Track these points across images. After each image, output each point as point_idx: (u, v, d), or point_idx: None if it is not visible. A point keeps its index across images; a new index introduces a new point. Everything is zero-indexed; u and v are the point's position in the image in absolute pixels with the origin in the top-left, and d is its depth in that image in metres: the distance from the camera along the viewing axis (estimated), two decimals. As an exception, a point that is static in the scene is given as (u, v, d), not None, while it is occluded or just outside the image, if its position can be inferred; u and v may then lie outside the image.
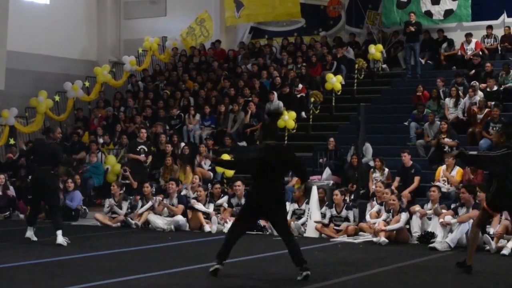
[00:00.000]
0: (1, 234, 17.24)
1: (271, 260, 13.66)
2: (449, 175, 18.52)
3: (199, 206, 18.72)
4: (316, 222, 17.33)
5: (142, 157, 21.88)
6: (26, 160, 18.87)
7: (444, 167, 18.79)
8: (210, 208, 18.72)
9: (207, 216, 18.59)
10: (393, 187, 17.94)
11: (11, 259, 13.38)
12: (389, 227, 16.14)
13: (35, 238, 15.78)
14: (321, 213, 17.56)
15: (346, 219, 17.18)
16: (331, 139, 21.67)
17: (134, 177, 21.45)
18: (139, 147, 21.97)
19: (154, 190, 20.02)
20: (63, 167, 23.29)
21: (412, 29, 25.58)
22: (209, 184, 20.72)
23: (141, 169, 21.94)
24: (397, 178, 19.11)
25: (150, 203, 19.11)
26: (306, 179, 13.23)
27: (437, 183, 18.21)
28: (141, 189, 19.82)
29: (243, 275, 12.00)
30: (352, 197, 18.72)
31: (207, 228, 18.20)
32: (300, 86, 25.72)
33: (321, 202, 17.76)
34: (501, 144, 11.91)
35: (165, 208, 18.89)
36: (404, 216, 16.24)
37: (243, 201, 18.49)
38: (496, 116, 20.59)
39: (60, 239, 15.27)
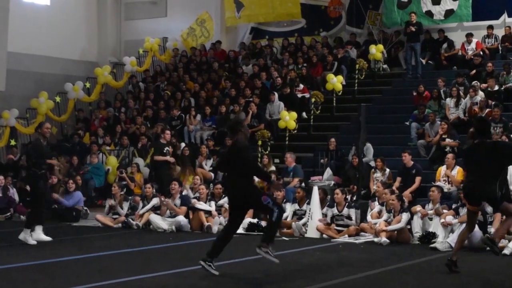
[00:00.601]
0: (1, 235, 17.22)
1: (272, 261, 13.63)
2: (450, 174, 18.51)
3: (200, 205, 18.74)
4: (320, 221, 17.28)
5: (170, 158, 21.50)
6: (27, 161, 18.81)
7: (444, 167, 18.78)
8: (212, 206, 18.74)
9: (209, 214, 18.60)
10: (394, 188, 17.94)
11: (11, 260, 13.38)
12: (390, 227, 16.13)
13: (49, 238, 15.85)
14: (322, 213, 17.55)
15: (348, 217, 17.17)
16: (332, 139, 21.69)
17: (162, 179, 21.06)
18: (165, 149, 21.62)
19: (154, 190, 20.00)
20: (64, 168, 23.38)
21: (413, 29, 25.58)
22: (210, 184, 20.72)
23: (168, 170, 21.47)
24: (398, 178, 19.12)
25: (153, 202, 19.09)
26: (265, 178, 13.33)
27: (438, 183, 18.21)
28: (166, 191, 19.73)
29: (244, 276, 12.00)
30: (354, 197, 18.68)
31: (207, 224, 18.19)
32: (301, 86, 25.70)
33: (322, 203, 17.74)
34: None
35: (167, 210, 18.89)
36: (405, 216, 16.24)
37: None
38: (497, 116, 20.58)
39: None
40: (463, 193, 12.46)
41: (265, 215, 12.13)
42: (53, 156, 17.74)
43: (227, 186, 12.32)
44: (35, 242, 15.30)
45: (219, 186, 19.64)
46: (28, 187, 18.75)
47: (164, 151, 21.48)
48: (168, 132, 22.18)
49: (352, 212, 17.24)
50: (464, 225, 14.89)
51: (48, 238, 15.75)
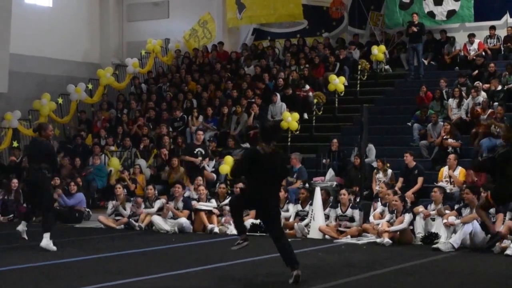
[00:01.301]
0: (4, 237, 17.21)
1: (275, 262, 13.63)
2: (453, 174, 18.52)
3: (201, 205, 18.76)
4: (323, 227, 17.26)
5: (197, 159, 21.41)
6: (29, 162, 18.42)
7: (446, 167, 18.78)
8: (213, 203, 18.76)
9: (211, 213, 18.63)
10: (396, 188, 17.94)
11: (14, 262, 13.38)
12: (392, 228, 16.12)
13: (25, 236, 15.52)
14: (325, 214, 17.55)
15: (351, 218, 17.17)
16: (335, 140, 21.71)
17: (191, 180, 20.95)
18: (197, 150, 21.51)
19: (156, 192, 20.01)
20: (67, 170, 23.40)
21: (415, 29, 25.58)
22: (217, 184, 20.67)
23: (197, 171, 21.33)
24: (400, 179, 19.13)
25: (157, 205, 19.10)
26: None
27: (440, 184, 18.21)
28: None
29: (247, 277, 11.99)
30: (358, 198, 18.67)
31: (210, 226, 18.20)
32: (307, 87, 25.69)
33: (325, 203, 17.76)
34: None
35: (169, 212, 18.92)
36: (407, 217, 16.23)
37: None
38: (500, 115, 20.58)
39: (45, 242, 14.73)
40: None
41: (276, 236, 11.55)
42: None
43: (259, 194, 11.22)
44: (55, 248, 14.84)
45: (223, 185, 19.68)
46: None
47: (195, 151, 21.42)
48: (200, 133, 22.16)
49: (356, 213, 17.25)
50: (468, 226, 14.98)
51: (54, 248, 15.36)
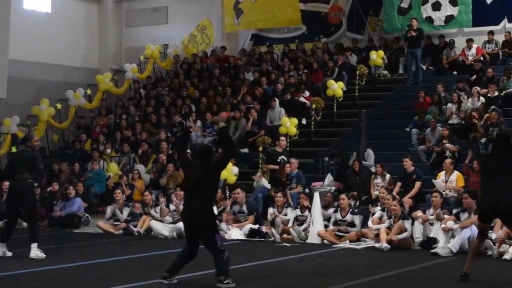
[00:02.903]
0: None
1: (273, 267, 13.66)
2: (450, 186, 18.51)
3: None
4: (322, 232, 17.26)
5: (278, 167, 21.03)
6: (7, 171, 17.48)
7: (443, 172, 18.79)
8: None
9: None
10: (394, 193, 17.95)
11: (12, 267, 13.38)
12: (400, 237, 16.06)
13: (9, 254, 14.95)
14: (326, 214, 17.55)
15: (351, 223, 17.17)
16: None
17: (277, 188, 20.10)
18: (280, 157, 21.26)
19: (154, 198, 20.02)
20: (65, 175, 23.41)
21: (414, 34, 25.60)
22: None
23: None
24: (398, 184, 19.14)
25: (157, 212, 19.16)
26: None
27: (437, 181, 18.27)
28: None
29: (245, 282, 11.98)
30: (358, 203, 18.66)
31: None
32: (307, 93, 25.69)
33: (328, 207, 17.80)
34: None
35: (167, 216, 18.91)
36: (407, 224, 16.23)
37: (244, 208, 18.55)
38: (495, 120, 20.61)
39: (34, 253, 14.57)
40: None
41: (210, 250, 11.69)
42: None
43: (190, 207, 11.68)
44: (44, 255, 14.65)
45: (219, 191, 19.68)
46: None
47: (279, 159, 21.16)
48: (283, 139, 21.93)
49: (356, 218, 17.23)
50: (466, 231, 14.97)
51: (43, 255, 15.21)
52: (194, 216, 11.49)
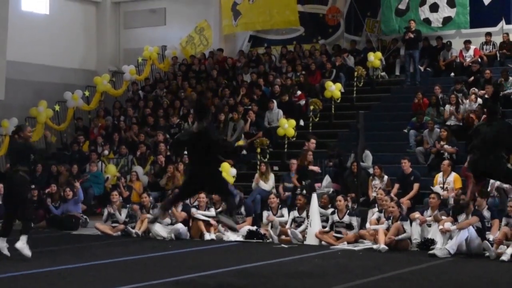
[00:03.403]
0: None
1: (270, 268, 13.68)
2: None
3: (199, 214, 18.76)
4: (321, 232, 17.29)
5: (316, 168, 20.74)
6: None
7: (440, 174, 18.80)
8: (211, 211, 18.74)
9: (208, 222, 18.63)
10: (392, 194, 17.97)
11: (10, 269, 13.36)
12: (398, 237, 16.09)
13: (6, 252, 14.89)
14: (323, 214, 17.57)
15: (349, 225, 17.18)
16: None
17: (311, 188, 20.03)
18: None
19: (152, 199, 20.02)
20: (64, 177, 23.41)
21: (411, 35, 25.63)
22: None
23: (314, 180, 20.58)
24: (396, 185, 19.14)
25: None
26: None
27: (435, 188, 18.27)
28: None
29: (243, 283, 12.01)
30: (356, 205, 18.67)
31: (207, 236, 18.21)
32: (299, 92, 25.73)
33: (325, 208, 17.83)
34: None
35: (167, 217, 18.93)
36: (407, 225, 16.25)
37: (242, 209, 18.58)
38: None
39: (20, 244, 14.48)
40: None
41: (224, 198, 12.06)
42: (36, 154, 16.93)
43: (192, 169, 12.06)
44: (30, 253, 14.62)
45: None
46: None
47: None
48: (313, 141, 21.71)
49: (354, 220, 17.24)
50: (464, 232, 15.00)
51: (28, 253, 14.84)
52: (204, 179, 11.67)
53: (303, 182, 20.19)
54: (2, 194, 21.72)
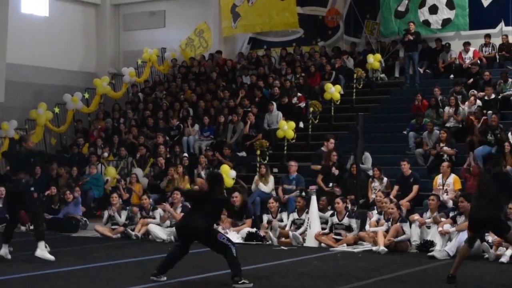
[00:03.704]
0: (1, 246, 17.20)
1: (270, 270, 13.69)
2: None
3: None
4: (319, 234, 17.28)
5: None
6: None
7: (440, 175, 18.81)
8: None
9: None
10: (391, 196, 17.98)
11: (11, 271, 13.39)
12: (398, 239, 16.11)
13: (9, 257, 14.92)
14: (322, 217, 17.57)
15: (348, 227, 17.18)
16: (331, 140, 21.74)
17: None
18: None
19: (152, 201, 20.04)
20: (63, 179, 23.42)
21: (411, 38, 25.66)
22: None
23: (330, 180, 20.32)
24: (396, 187, 19.15)
25: (157, 216, 19.14)
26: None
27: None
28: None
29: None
30: (355, 207, 18.67)
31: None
32: (299, 94, 25.72)
33: (324, 211, 17.82)
34: None
35: (167, 220, 18.94)
36: (406, 227, 16.27)
37: (242, 211, 18.54)
38: (495, 123, 20.67)
39: (40, 252, 14.58)
40: None
41: (221, 252, 12.07)
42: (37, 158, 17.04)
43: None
44: (52, 257, 14.67)
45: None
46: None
47: None
48: (332, 140, 21.52)
49: (353, 222, 17.23)
50: (463, 234, 14.98)
51: (51, 257, 14.83)
52: (197, 229, 12.06)
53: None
54: (3, 197, 21.82)
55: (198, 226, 11.96)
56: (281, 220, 18.35)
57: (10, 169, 15.33)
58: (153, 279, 11.98)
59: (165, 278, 12.04)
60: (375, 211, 17.62)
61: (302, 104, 25.39)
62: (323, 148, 21.70)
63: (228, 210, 13.47)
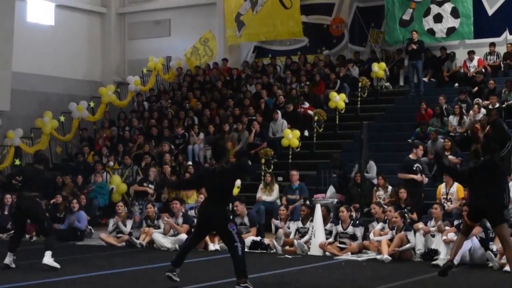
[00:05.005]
0: (4, 254, 17.23)
1: (274, 279, 13.70)
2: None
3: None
4: (323, 244, 17.28)
5: (417, 176, 19.29)
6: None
7: (443, 184, 18.79)
8: None
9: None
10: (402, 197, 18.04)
11: (17, 279, 13.43)
12: (402, 248, 16.11)
13: (13, 265, 14.99)
14: (326, 229, 17.57)
15: (353, 236, 17.18)
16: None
17: (414, 199, 18.78)
18: (416, 165, 19.54)
19: (157, 210, 20.07)
20: (69, 188, 23.46)
21: (414, 47, 25.70)
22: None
23: (418, 190, 19.29)
24: (402, 190, 18.76)
25: (162, 225, 19.17)
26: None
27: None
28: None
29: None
30: (359, 215, 18.68)
31: (211, 246, 18.22)
32: (307, 104, 25.78)
33: (325, 220, 17.80)
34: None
35: (170, 228, 18.96)
36: (410, 236, 16.26)
37: (246, 219, 18.55)
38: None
39: (47, 259, 14.61)
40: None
41: (227, 244, 12.25)
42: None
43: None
44: (58, 265, 14.74)
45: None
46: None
47: (414, 168, 19.45)
48: (421, 147, 20.33)
49: (358, 231, 17.22)
50: (467, 243, 14.96)
51: (57, 265, 14.93)
52: (211, 216, 12.25)
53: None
54: (10, 204, 21.89)
55: (212, 212, 12.17)
56: (289, 228, 18.34)
57: (22, 185, 15.27)
58: (168, 275, 12.22)
59: (177, 279, 12.27)
60: (375, 222, 17.64)
61: (311, 113, 25.34)
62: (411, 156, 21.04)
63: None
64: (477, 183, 12.36)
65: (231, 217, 14.35)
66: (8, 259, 15.00)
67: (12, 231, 20.75)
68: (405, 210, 17.71)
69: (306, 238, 17.71)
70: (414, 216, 17.72)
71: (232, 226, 12.16)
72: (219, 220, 12.18)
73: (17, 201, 15.85)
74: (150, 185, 22.61)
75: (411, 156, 19.73)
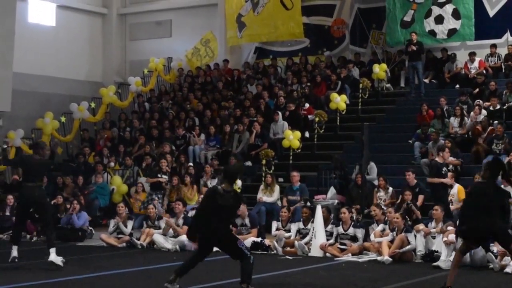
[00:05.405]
0: (8, 254, 17.23)
1: (275, 280, 13.69)
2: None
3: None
4: (324, 245, 17.27)
5: (447, 180, 19.10)
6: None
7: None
8: None
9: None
10: (407, 199, 18.09)
11: (18, 280, 13.43)
12: (402, 250, 16.10)
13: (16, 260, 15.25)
14: (327, 230, 17.57)
15: (353, 237, 17.17)
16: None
17: (443, 201, 18.14)
18: (444, 169, 19.30)
19: (158, 211, 20.06)
20: (69, 188, 23.45)
21: (414, 48, 25.70)
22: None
23: (445, 193, 19.00)
24: (407, 192, 18.74)
25: (162, 225, 19.15)
26: None
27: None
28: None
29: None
30: (360, 217, 18.68)
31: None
32: (307, 105, 25.79)
33: (326, 221, 17.79)
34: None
35: (170, 229, 18.96)
36: (411, 237, 16.25)
37: (246, 220, 18.55)
38: (500, 133, 20.68)
39: (53, 256, 14.80)
40: None
41: (238, 258, 11.93)
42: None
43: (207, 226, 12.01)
44: (62, 264, 14.90)
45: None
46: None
47: (443, 171, 19.28)
48: (447, 150, 19.96)
49: (358, 232, 17.22)
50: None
51: (58, 259, 15.30)
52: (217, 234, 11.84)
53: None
54: (11, 205, 21.89)
55: (218, 230, 11.79)
56: (289, 230, 18.33)
57: (24, 176, 15.41)
58: (167, 286, 11.80)
59: (178, 286, 11.89)
60: (375, 224, 17.64)
61: (311, 117, 25.33)
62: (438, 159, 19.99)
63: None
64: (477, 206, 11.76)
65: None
66: (15, 252, 15.21)
67: (11, 232, 20.93)
68: (410, 203, 17.76)
69: (306, 239, 17.71)
70: (418, 213, 17.76)
71: (241, 244, 11.89)
72: (226, 237, 11.91)
73: (21, 191, 15.83)
74: (163, 176, 22.60)
75: (437, 159, 19.54)
